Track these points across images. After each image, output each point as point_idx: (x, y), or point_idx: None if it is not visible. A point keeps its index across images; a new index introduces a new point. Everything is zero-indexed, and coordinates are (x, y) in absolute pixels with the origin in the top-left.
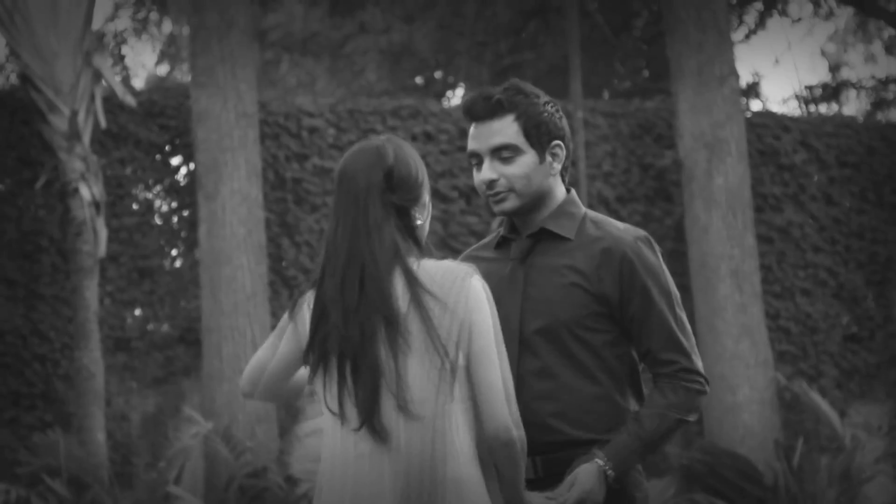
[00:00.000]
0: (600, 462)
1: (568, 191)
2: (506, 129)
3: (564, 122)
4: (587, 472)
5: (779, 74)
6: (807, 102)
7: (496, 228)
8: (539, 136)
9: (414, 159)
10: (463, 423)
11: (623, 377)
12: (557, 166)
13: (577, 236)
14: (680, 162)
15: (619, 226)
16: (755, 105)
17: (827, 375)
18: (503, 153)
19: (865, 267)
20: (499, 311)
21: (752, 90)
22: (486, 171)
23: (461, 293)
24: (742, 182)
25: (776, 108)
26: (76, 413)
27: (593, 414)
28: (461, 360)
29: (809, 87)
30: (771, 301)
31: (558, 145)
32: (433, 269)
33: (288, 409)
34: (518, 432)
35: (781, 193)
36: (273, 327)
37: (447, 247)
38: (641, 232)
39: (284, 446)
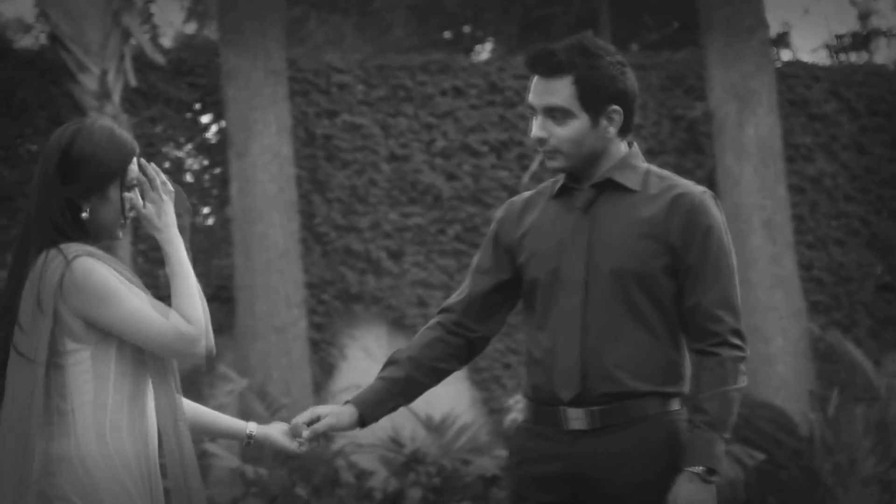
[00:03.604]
0: (691, 470)
1: (630, 145)
2: (561, 91)
3: (629, 82)
4: (681, 486)
5: (808, 24)
6: (837, 52)
7: (526, 182)
8: (596, 99)
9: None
10: None
11: (677, 332)
12: (613, 130)
13: (643, 188)
14: (710, 113)
15: (683, 180)
16: (785, 55)
17: (861, 325)
18: (555, 114)
19: None
20: (561, 261)
21: (782, 40)
22: (537, 129)
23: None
24: (773, 132)
25: (806, 57)
26: None
27: (651, 366)
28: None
29: (839, 37)
30: (804, 251)
31: (616, 110)
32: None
33: (322, 365)
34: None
35: (813, 143)
36: (306, 284)
37: (479, 201)
38: (704, 187)
39: (319, 403)
